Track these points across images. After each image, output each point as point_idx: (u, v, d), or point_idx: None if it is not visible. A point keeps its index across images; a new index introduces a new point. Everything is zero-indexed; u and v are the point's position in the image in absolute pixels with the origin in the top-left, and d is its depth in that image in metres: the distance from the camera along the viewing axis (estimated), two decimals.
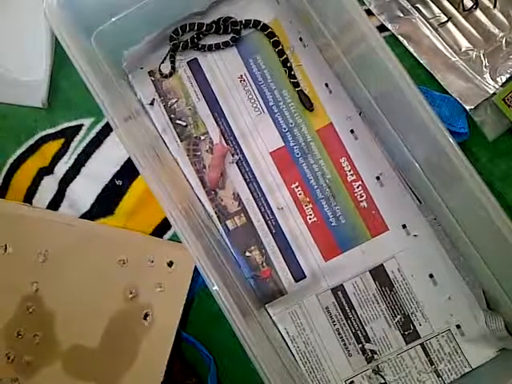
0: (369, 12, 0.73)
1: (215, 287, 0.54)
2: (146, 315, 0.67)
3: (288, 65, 0.72)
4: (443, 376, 0.67)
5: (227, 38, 0.73)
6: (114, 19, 0.65)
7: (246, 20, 0.73)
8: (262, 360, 0.54)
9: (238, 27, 0.73)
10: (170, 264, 0.67)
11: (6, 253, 0.70)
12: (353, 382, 0.68)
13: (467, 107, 0.70)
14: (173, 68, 0.74)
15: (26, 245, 0.69)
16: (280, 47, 0.73)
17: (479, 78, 0.71)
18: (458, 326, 0.67)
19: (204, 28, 0.73)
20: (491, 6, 0.72)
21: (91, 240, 0.69)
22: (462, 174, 0.54)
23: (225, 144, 0.72)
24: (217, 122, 0.73)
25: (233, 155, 0.72)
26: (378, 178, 0.70)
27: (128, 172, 0.73)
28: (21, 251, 0.69)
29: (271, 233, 0.71)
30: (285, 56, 0.72)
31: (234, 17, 0.74)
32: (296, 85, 0.72)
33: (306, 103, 0.71)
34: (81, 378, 0.66)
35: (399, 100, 0.57)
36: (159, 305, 0.66)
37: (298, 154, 0.72)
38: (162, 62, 0.74)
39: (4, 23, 0.76)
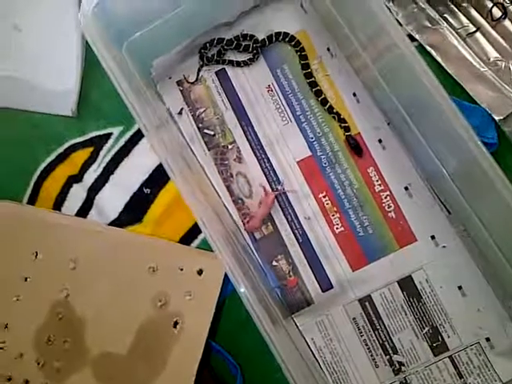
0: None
1: (245, 291, 0.54)
2: (176, 323, 0.67)
3: (317, 88, 0.73)
4: None
5: (248, 55, 0.74)
6: (145, 29, 0.66)
7: (270, 35, 0.74)
8: (292, 366, 0.54)
9: (256, 51, 0.73)
10: (200, 272, 0.68)
11: (37, 259, 0.71)
12: None
13: (496, 118, 0.69)
14: (197, 79, 0.75)
15: (56, 252, 0.70)
16: (306, 61, 0.73)
17: (508, 88, 0.70)
18: (488, 339, 0.66)
19: (224, 43, 0.74)
20: None
21: (121, 247, 0.70)
22: (495, 184, 0.53)
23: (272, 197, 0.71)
24: (244, 132, 0.73)
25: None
26: (406, 188, 0.70)
27: (156, 180, 0.74)
28: (51, 258, 0.70)
29: (298, 242, 0.71)
30: (312, 79, 0.73)
31: (257, 35, 0.74)
32: (326, 105, 0.72)
33: (355, 148, 0.71)
34: None
35: (431, 109, 0.57)
36: (189, 313, 0.66)
37: (325, 163, 0.72)
38: (186, 78, 0.75)
39: (35, 34, 0.77)
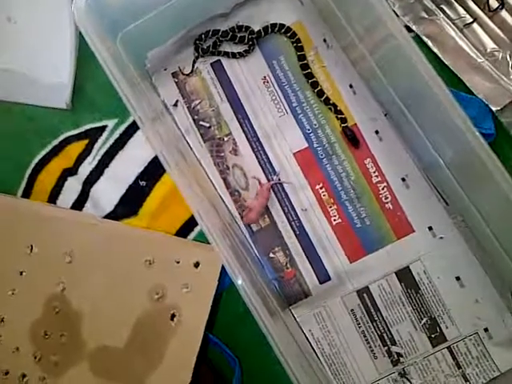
0: None
1: (242, 283, 0.54)
2: (173, 316, 0.66)
3: (313, 80, 0.72)
4: (471, 380, 0.66)
5: (243, 47, 0.74)
6: (139, 21, 0.65)
7: (265, 26, 0.73)
8: (290, 358, 0.54)
9: (252, 42, 0.73)
10: (197, 265, 0.67)
11: (32, 253, 0.70)
12: None
13: (493, 108, 0.69)
14: (192, 70, 0.74)
15: (52, 245, 0.70)
16: (302, 52, 0.73)
17: (505, 78, 0.70)
18: (486, 330, 0.66)
19: (220, 34, 0.73)
20: None
21: (117, 240, 0.69)
22: (493, 174, 0.53)
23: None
24: (240, 124, 0.73)
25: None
26: (403, 179, 0.70)
27: (151, 173, 0.74)
28: (47, 251, 0.70)
29: (295, 234, 0.71)
30: (309, 70, 0.72)
31: (252, 27, 0.74)
32: (328, 103, 0.72)
33: (352, 139, 0.70)
34: (107, 379, 0.66)
35: (428, 100, 0.57)
36: (186, 305, 0.66)
37: (321, 154, 0.71)
38: (181, 70, 0.74)
39: (29, 27, 0.77)
